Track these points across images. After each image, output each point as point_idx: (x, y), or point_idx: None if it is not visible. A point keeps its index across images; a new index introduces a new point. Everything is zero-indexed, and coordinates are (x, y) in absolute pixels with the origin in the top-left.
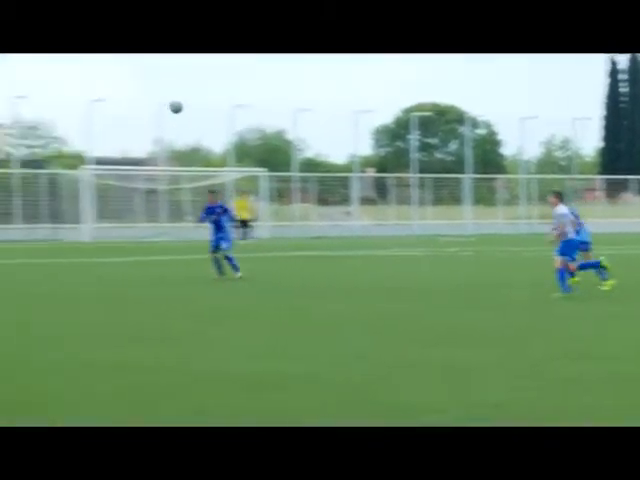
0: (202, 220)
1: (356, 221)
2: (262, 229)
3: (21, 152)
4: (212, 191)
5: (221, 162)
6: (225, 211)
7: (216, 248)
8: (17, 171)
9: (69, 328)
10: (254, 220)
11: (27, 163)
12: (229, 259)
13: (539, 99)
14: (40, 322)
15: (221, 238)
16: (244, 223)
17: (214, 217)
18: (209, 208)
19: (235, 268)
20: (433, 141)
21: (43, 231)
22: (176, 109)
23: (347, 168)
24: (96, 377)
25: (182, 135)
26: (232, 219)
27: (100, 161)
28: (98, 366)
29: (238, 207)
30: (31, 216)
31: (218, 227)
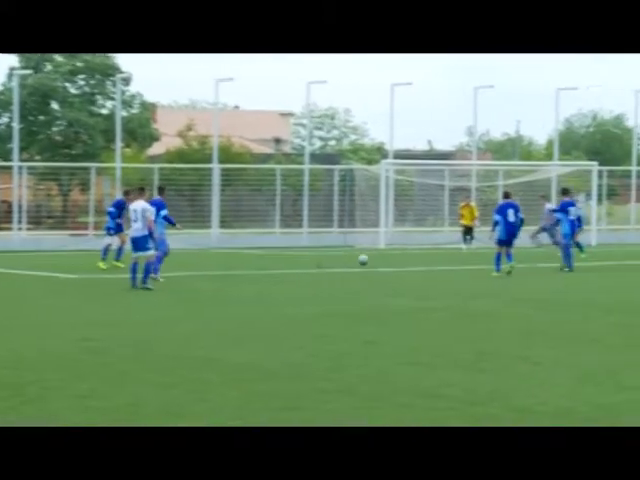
0: None
1: None
2: (590, 234)
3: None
4: None
5: (544, 154)
6: None
7: None
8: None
9: None
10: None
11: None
12: None
13: None
14: None
15: None
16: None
17: None
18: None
19: None
20: None
21: (331, 237)
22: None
23: None
24: None
25: (498, 124)
26: None
27: (400, 155)
28: None
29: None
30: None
31: None
